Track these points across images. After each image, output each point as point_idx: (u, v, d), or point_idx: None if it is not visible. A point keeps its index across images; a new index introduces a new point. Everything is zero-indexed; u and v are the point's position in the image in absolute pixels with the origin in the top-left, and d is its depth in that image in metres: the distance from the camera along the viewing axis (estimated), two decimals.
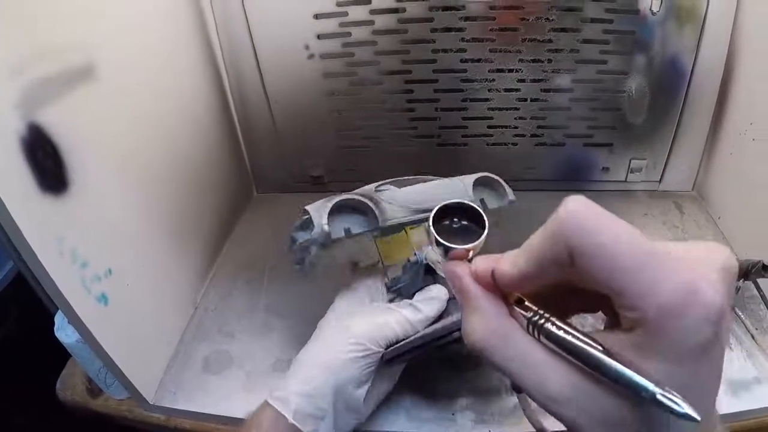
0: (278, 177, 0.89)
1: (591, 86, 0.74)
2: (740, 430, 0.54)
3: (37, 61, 0.44)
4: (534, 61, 0.73)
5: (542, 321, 0.23)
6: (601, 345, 0.21)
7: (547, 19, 0.69)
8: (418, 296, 0.53)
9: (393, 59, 0.74)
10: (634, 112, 0.76)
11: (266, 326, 0.67)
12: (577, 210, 0.21)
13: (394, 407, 0.56)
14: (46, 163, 0.44)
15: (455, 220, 0.29)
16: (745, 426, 0.54)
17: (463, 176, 0.57)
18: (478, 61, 0.73)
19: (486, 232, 0.28)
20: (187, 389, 0.60)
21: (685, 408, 0.19)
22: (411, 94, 0.77)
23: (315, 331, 0.53)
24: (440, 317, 0.51)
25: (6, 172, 0.40)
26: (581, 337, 0.22)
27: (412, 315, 0.50)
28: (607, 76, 0.73)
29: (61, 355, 0.58)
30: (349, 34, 0.72)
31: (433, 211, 0.29)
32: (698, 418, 0.19)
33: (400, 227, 0.55)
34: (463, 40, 0.71)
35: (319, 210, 0.52)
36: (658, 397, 0.19)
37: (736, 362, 0.58)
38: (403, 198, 0.54)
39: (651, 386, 0.19)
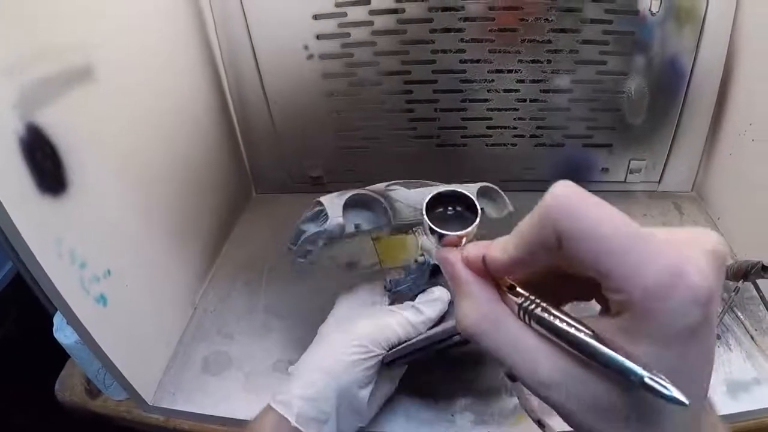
0: (277, 177, 0.89)
1: (590, 87, 0.74)
2: (740, 431, 0.54)
3: (36, 61, 0.44)
4: (533, 61, 0.73)
5: (533, 306, 0.23)
6: (590, 330, 0.21)
7: (547, 19, 0.69)
8: (420, 298, 0.53)
9: (392, 60, 0.74)
10: (634, 112, 0.76)
11: (265, 327, 0.67)
12: (564, 194, 0.21)
13: (393, 408, 0.55)
14: (45, 163, 0.44)
15: (449, 208, 0.30)
16: (745, 427, 0.54)
17: (465, 184, 0.57)
18: (478, 61, 0.73)
19: (478, 219, 0.28)
20: (186, 390, 0.60)
21: (673, 391, 0.19)
22: (410, 94, 0.77)
23: (317, 335, 0.53)
24: (441, 319, 0.51)
25: (4, 173, 0.40)
26: (571, 322, 0.22)
27: (414, 317, 0.50)
28: (607, 77, 0.73)
29: (60, 355, 0.58)
30: (349, 34, 0.72)
31: (427, 199, 0.29)
32: (686, 402, 0.19)
33: (410, 227, 0.55)
34: (462, 40, 0.71)
35: (333, 202, 0.52)
36: (646, 380, 0.19)
37: (735, 363, 0.58)
38: (416, 198, 0.54)
39: (639, 370, 0.19)
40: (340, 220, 0.50)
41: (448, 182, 0.46)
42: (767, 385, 0.55)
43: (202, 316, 0.69)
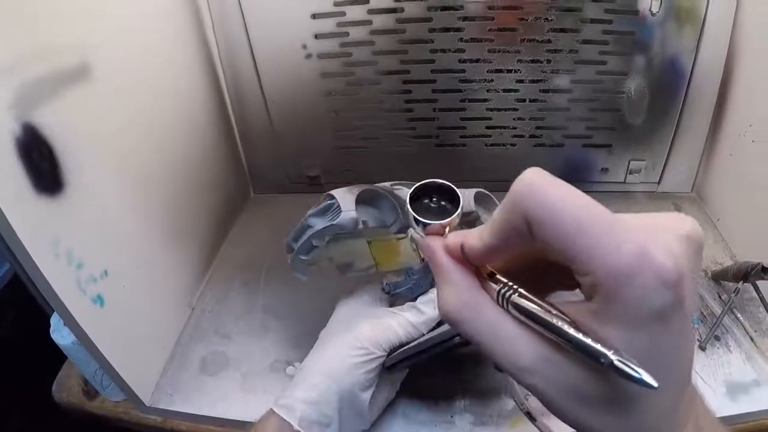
0: (275, 177, 0.89)
1: (590, 87, 0.74)
2: None
3: (32, 60, 0.43)
4: (533, 61, 0.72)
5: (510, 292, 0.23)
6: (564, 314, 0.22)
7: (546, 19, 0.68)
8: (421, 299, 0.53)
9: (391, 59, 0.74)
10: (634, 112, 0.76)
11: (263, 327, 0.66)
12: (532, 180, 0.22)
13: (393, 410, 0.55)
14: (42, 164, 0.44)
15: (433, 198, 0.30)
16: (744, 429, 0.54)
17: (462, 189, 0.57)
18: (477, 61, 0.73)
19: (461, 208, 0.29)
20: (184, 391, 0.59)
21: (642, 374, 0.19)
22: (409, 94, 0.77)
23: (318, 340, 0.53)
24: (442, 322, 0.51)
25: (0, 173, 0.40)
26: (547, 307, 0.22)
27: (415, 317, 0.50)
28: (607, 77, 0.73)
29: (57, 357, 0.58)
30: (347, 33, 0.72)
31: (411, 190, 0.29)
32: (655, 385, 0.19)
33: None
34: (461, 40, 0.71)
35: (344, 196, 0.51)
36: (615, 363, 0.19)
37: (735, 364, 0.57)
38: None
39: (608, 353, 0.20)
40: (353, 213, 0.50)
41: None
42: (767, 387, 0.55)
43: (199, 316, 0.69)
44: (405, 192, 0.54)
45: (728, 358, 0.58)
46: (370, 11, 0.70)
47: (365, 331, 0.49)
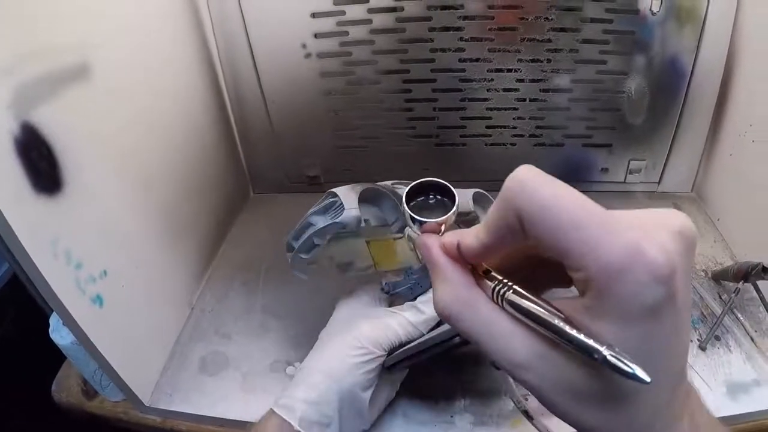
0: (275, 177, 0.89)
1: (590, 86, 0.74)
2: None
3: (31, 60, 0.43)
4: (533, 60, 0.72)
5: (505, 289, 0.24)
6: (558, 310, 0.22)
7: (547, 18, 0.68)
8: (420, 299, 0.53)
9: (391, 58, 0.74)
10: (634, 112, 0.76)
11: (263, 327, 0.66)
12: (523, 176, 0.22)
13: (393, 410, 0.55)
14: (40, 163, 0.44)
15: (430, 196, 0.30)
16: (744, 429, 0.53)
17: (461, 189, 0.57)
18: (477, 60, 0.73)
19: (456, 206, 0.29)
20: (184, 391, 0.59)
21: (636, 369, 0.19)
22: (409, 93, 0.77)
23: (318, 340, 0.53)
24: (439, 324, 0.51)
25: None
26: (541, 303, 0.22)
27: (414, 317, 0.50)
28: (607, 77, 0.73)
29: (58, 356, 0.58)
30: (347, 33, 0.72)
31: (407, 188, 0.30)
32: (647, 380, 0.19)
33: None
34: (461, 39, 0.71)
35: (347, 194, 0.51)
36: (608, 358, 0.19)
37: (735, 364, 0.57)
38: None
39: (600, 348, 0.20)
40: (356, 211, 0.50)
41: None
42: (767, 387, 0.55)
43: (199, 316, 0.69)
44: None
45: (728, 358, 0.58)
46: (370, 10, 0.69)
47: (365, 331, 0.49)
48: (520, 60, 0.72)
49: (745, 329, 0.60)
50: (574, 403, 0.23)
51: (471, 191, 0.58)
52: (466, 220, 0.56)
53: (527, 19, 0.69)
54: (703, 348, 0.59)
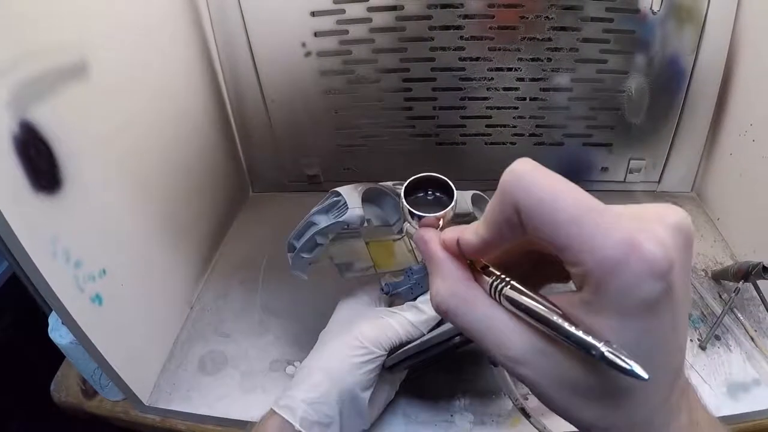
0: (274, 176, 0.89)
1: (590, 85, 0.74)
2: None
3: (30, 58, 0.43)
4: (533, 59, 0.72)
5: (503, 285, 0.24)
6: (555, 306, 0.22)
7: (547, 17, 0.68)
8: (421, 299, 0.53)
9: (391, 57, 0.73)
10: (634, 111, 0.76)
11: (262, 326, 0.66)
12: (520, 170, 0.21)
13: (393, 409, 0.55)
14: (39, 161, 0.43)
15: (428, 192, 0.30)
16: (744, 428, 0.53)
17: (460, 191, 0.57)
18: (477, 59, 0.73)
19: (455, 201, 0.29)
20: (183, 390, 0.59)
21: (633, 366, 0.19)
22: (409, 92, 0.76)
23: (318, 341, 0.53)
24: (439, 324, 0.51)
25: None
26: (538, 299, 0.22)
27: (415, 317, 0.50)
28: (607, 76, 0.73)
29: (58, 356, 0.58)
30: (347, 31, 0.71)
31: (405, 184, 0.30)
32: (645, 377, 0.19)
33: None
34: (461, 38, 0.71)
35: (351, 193, 0.51)
36: (606, 354, 0.19)
37: (735, 364, 0.57)
38: None
39: (598, 344, 0.20)
40: (360, 210, 0.50)
41: None
42: (767, 387, 0.55)
43: (198, 315, 0.68)
44: None
45: (728, 357, 0.58)
46: (370, 9, 0.69)
47: (365, 331, 0.49)
48: (520, 59, 0.72)
49: (745, 329, 0.60)
50: (571, 398, 0.23)
51: (470, 192, 0.58)
52: (464, 221, 0.56)
53: (527, 18, 0.69)
54: (703, 347, 0.59)
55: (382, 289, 0.56)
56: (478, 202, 0.59)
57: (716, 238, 0.75)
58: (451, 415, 0.55)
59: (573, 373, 0.22)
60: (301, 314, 0.66)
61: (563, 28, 0.69)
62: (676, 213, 0.22)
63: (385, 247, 0.61)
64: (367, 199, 0.52)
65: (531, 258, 0.26)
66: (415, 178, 0.30)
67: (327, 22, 0.71)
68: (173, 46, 0.68)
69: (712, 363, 0.58)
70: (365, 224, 0.51)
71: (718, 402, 0.54)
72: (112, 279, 0.52)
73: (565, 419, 0.24)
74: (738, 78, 0.71)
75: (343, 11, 0.70)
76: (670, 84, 0.73)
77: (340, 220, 0.50)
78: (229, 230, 0.83)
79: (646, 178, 0.82)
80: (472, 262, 0.26)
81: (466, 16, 0.69)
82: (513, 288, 0.23)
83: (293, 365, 0.61)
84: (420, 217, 0.28)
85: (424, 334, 0.50)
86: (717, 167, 0.78)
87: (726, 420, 0.53)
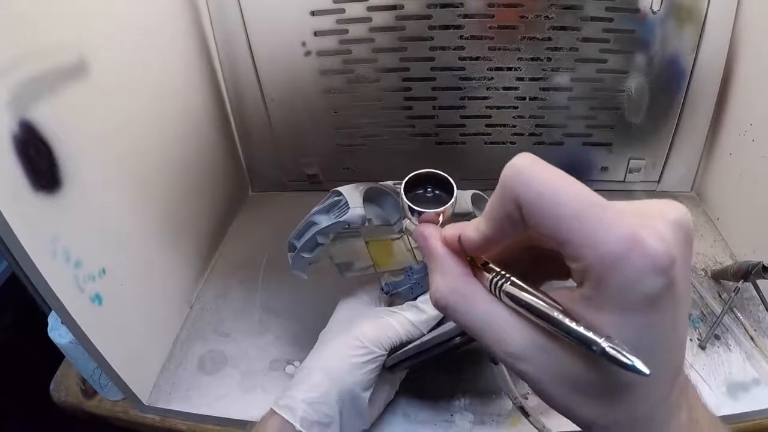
0: (274, 176, 0.89)
1: (590, 85, 0.74)
2: None
3: (30, 58, 0.43)
4: (533, 59, 0.72)
5: (503, 281, 0.24)
6: (556, 302, 0.22)
7: (547, 17, 0.68)
8: (421, 298, 0.53)
9: (390, 56, 0.73)
10: (634, 111, 0.76)
11: (262, 326, 0.66)
12: (521, 164, 0.22)
13: (392, 409, 0.55)
14: (39, 161, 0.43)
15: (428, 188, 0.30)
16: (744, 428, 0.53)
17: (460, 191, 0.57)
18: (477, 59, 0.73)
19: (455, 197, 0.29)
20: (183, 390, 0.59)
21: (635, 361, 0.19)
22: (409, 91, 0.76)
23: (318, 341, 0.52)
24: (439, 324, 0.51)
25: None
26: (538, 294, 0.22)
27: (415, 316, 0.50)
28: (607, 75, 0.73)
29: (56, 355, 0.58)
30: (346, 31, 0.71)
31: (405, 180, 0.30)
32: (647, 372, 0.19)
33: None
34: (461, 37, 0.71)
35: (352, 193, 0.51)
36: (607, 350, 0.19)
37: (735, 364, 0.57)
38: None
39: (599, 340, 0.20)
40: (361, 210, 0.49)
41: None
42: (767, 386, 0.55)
43: (198, 314, 0.68)
44: None
45: (728, 357, 0.58)
46: (370, 8, 0.69)
47: (366, 331, 0.49)
48: (520, 58, 0.72)
49: (745, 328, 0.60)
50: (572, 395, 0.23)
51: (469, 192, 0.58)
52: (464, 220, 0.56)
53: (527, 18, 0.69)
54: (702, 347, 0.59)
55: (382, 289, 0.56)
56: (478, 202, 0.59)
57: (716, 238, 0.75)
58: (451, 415, 0.55)
59: (574, 369, 0.22)
60: (300, 314, 0.66)
61: (563, 28, 0.69)
62: (677, 209, 0.22)
63: (384, 247, 0.61)
64: (367, 198, 0.52)
65: (531, 255, 0.26)
66: (415, 174, 0.30)
67: (327, 22, 0.71)
68: (173, 46, 0.68)
69: (711, 362, 0.58)
70: (366, 224, 0.51)
71: (718, 401, 0.54)
72: (112, 278, 0.52)
73: (565, 416, 0.24)
74: (738, 78, 0.71)
75: (342, 10, 0.70)
76: (669, 84, 0.73)
77: (342, 219, 0.50)
78: (228, 229, 0.83)
79: (645, 177, 0.83)
80: (473, 259, 0.26)
81: (465, 16, 0.69)
82: (513, 284, 0.23)
83: (293, 365, 0.61)
84: (420, 213, 0.28)
85: (424, 334, 0.50)
86: (717, 167, 0.78)
87: (726, 419, 0.53)
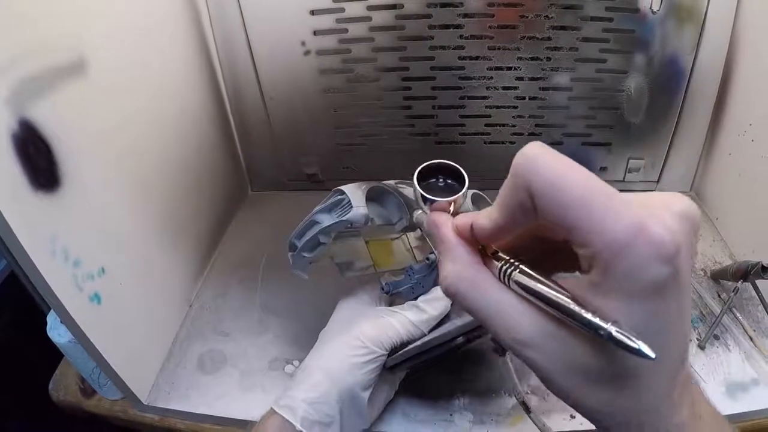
0: (273, 175, 0.88)
1: (590, 85, 0.74)
2: None
3: (29, 57, 0.43)
4: (533, 59, 0.72)
5: (512, 269, 0.24)
6: (563, 289, 0.22)
7: (547, 16, 0.68)
8: (422, 298, 0.52)
9: (390, 56, 0.73)
10: (633, 111, 0.76)
11: (261, 325, 0.66)
12: (533, 153, 0.22)
13: (392, 408, 0.55)
14: (38, 159, 0.43)
15: (440, 178, 0.31)
16: (743, 428, 0.53)
17: None
18: (477, 58, 0.73)
19: (466, 187, 0.29)
20: (182, 389, 0.59)
21: (640, 345, 0.19)
22: (408, 91, 0.76)
23: (318, 340, 0.52)
24: (440, 324, 0.51)
25: None
26: (545, 281, 0.23)
27: (415, 316, 0.50)
28: (606, 75, 0.73)
29: (55, 355, 0.58)
30: (346, 30, 0.71)
31: (418, 170, 0.30)
32: (652, 355, 0.19)
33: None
34: (461, 37, 0.71)
35: (355, 192, 0.51)
36: (614, 333, 0.20)
37: (734, 364, 0.57)
38: None
39: (605, 325, 0.20)
40: (364, 209, 0.49)
41: None
42: (766, 386, 0.55)
43: (197, 314, 0.68)
44: (410, 190, 0.54)
45: (727, 357, 0.58)
46: (370, 8, 0.69)
47: (366, 330, 0.49)
48: (519, 58, 0.72)
49: (744, 328, 0.61)
50: (578, 382, 0.23)
51: (470, 192, 0.58)
52: None
53: (527, 17, 0.69)
54: (702, 347, 0.59)
55: (383, 289, 0.55)
56: (478, 202, 0.59)
57: (715, 238, 0.75)
58: (451, 414, 0.55)
59: (581, 356, 0.22)
60: (300, 313, 0.66)
61: (563, 28, 0.69)
62: (682, 201, 0.22)
63: (384, 246, 0.61)
64: (369, 197, 0.52)
65: (541, 245, 0.26)
66: (427, 165, 0.31)
67: (326, 21, 0.71)
68: (172, 45, 0.68)
69: (710, 362, 0.58)
70: (369, 223, 0.51)
71: (717, 401, 0.53)
72: (111, 278, 0.52)
73: (570, 405, 0.24)
74: (737, 78, 0.71)
75: (342, 10, 0.70)
76: (669, 83, 0.73)
77: (344, 218, 0.50)
78: (228, 229, 0.83)
79: (645, 177, 0.82)
80: (483, 248, 0.26)
81: (465, 15, 0.69)
82: (522, 272, 0.24)
83: (292, 364, 0.61)
84: (432, 202, 0.29)
85: (425, 334, 0.50)
86: (716, 167, 0.78)
87: None
